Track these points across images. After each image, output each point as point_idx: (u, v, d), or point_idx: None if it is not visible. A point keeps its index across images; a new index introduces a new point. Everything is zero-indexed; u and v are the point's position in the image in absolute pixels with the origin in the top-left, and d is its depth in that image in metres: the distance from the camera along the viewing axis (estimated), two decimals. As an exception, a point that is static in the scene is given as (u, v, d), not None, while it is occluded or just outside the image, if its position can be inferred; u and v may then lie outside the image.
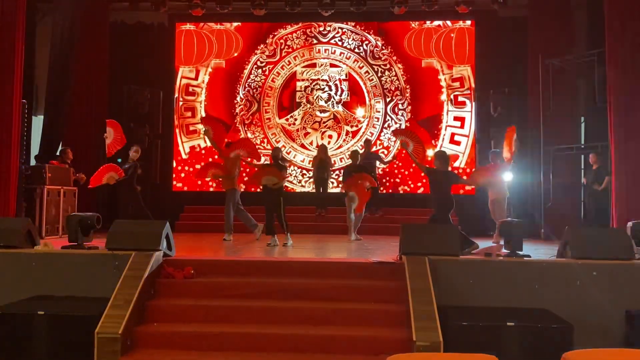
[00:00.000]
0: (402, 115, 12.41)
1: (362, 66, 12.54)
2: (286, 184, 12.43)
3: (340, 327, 5.04)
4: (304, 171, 12.43)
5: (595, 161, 9.36)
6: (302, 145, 12.53)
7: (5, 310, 4.87)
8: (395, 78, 12.47)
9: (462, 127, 12.27)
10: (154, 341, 4.90)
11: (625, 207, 7.60)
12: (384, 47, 12.50)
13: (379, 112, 12.45)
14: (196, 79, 12.68)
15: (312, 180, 12.11)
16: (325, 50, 12.63)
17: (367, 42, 12.55)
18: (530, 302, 5.23)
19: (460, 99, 12.29)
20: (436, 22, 12.37)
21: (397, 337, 4.79)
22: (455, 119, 12.29)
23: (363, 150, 11.34)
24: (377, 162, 11.51)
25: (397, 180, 12.28)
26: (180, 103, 12.63)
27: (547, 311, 5.07)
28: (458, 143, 12.23)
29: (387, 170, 12.19)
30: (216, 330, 4.98)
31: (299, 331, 4.95)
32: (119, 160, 9.21)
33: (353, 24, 12.56)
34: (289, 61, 12.67)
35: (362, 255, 6.86)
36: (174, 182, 12.43)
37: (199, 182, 12.28)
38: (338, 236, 9.91)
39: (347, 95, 12.54)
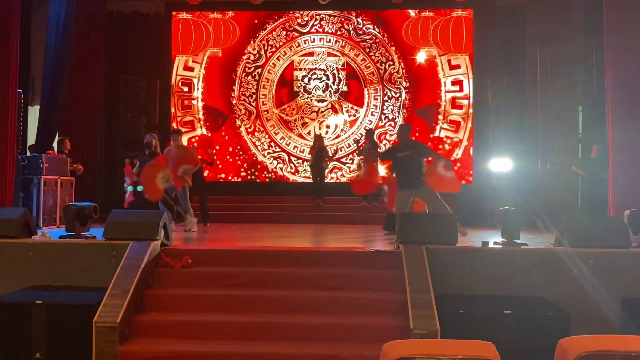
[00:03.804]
0: (400, 104, 12.40)
1: (361, 56, 12.50)
2: (285, 174, 12.47)
3: (337, 315, 5.05)
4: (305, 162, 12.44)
5: (596, 152, 9.30)
6: (300, 135, 12.52)
7: (3, 300, 4.88)
8: (393, 67, 12.44)
9: (460, 116, 12.26)
10: (152, 330, 4.91)
11: (622, 196, 7.60)
12: (384, 37, 12.46)
13: (376, 101, 12.43)
14: (192, 68, 12.63)
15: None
16: (324, 39, 12.59)
17: (365, 29, 12.51)
18: (527, 290, 5.25)
19: (458, 88, 12.27)
20: (434, 11, 12.32)
21: (395, 326, 4.81)
22: (454, 107, 12.28)
23: (363, 141, 11.17)
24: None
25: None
26: (177, 93, 12.59)
27: (544, 299, 5.09)
28: (456, 131, 12.22)
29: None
30: (214, 319, 4.99)
31: (296, 320, 4.97)
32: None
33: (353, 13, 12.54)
34: (284, 52, 12.63)
35: (359, 245, 6.87)
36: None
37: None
38: (336, 226, 9.92)
39: (345, 85, 12.51)
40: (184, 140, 12.37)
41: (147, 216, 5.97)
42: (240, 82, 12.58)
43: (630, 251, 5.46)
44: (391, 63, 12.42)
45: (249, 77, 12.62)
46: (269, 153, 12.53)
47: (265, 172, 12.51)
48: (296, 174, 12.49)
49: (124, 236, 5.56)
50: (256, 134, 12.53)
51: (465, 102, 12.22)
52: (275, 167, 12.47)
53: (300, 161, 12.47)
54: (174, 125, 12.32)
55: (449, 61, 12.29)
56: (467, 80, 12.22)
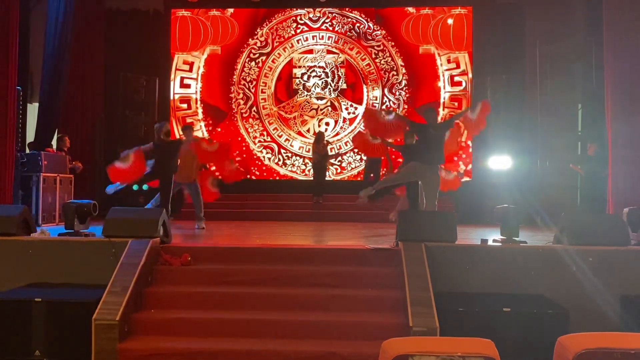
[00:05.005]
0: (399, 102, 12.39)
1: (367, 60, 12.49)
2: (288, 172, 12.47)
3: (336, 313, 5.05)
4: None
5: (593, 151, 9.30)
6: (300, 133, 12.51)
7: (2, 297, 4.87)
8: (393, 65, 12.43)
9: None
10: (151, 327, 4.92)
11: (621, 194, 7.62)
12: (385, 37, 12.44)
13: (376, 99, 12.42)
14: (192, 65, 12.61)
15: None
16: (324, 37, 12.58)
17: (363, 26, 12.49)
18: (526, 288, 5.25)
19: (457, 85, 12.26)
20: (433, 8, 12.30)
21: (394, 323, 4.81)
22: (452, 107, 12.27)
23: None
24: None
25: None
26: (177, 90, 12.57)
27: (543, 297, 5.10)
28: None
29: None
30: (213, 316, 4.99)
31: (295, 317, 4.97)
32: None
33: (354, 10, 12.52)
34: (292, 44, 12.62)
35: (358, 242, 6.87)
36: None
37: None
38: (335, 223, 9.92)
39: (344, 82, 12.50)
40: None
41: (147, 214, 5.98)
42: (243, 67, 12.54)
43: (629, 249, 5.47)
44: (395, 73, 12.37)
45: (252, 62, 12.59)
46: (259, 142, 12.51)
47: (255, 168, 12.49)
48: (283, 166, 12.47)
49: (123, 234, 5.56)
50: (250, 120, 12.53)
51: (464, 99, 12.19)
52: (264, 157, 12.46)
53: (289, 154, 12.46)
54: (174, 123, 12.32)
55: (448, 59, 12.23)
56: (466, 78, 12.19)
